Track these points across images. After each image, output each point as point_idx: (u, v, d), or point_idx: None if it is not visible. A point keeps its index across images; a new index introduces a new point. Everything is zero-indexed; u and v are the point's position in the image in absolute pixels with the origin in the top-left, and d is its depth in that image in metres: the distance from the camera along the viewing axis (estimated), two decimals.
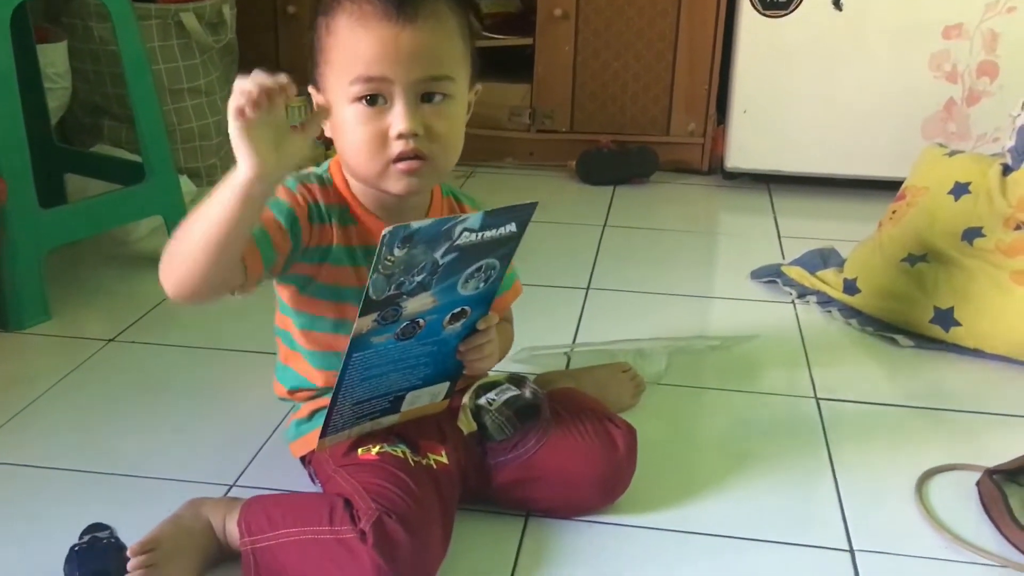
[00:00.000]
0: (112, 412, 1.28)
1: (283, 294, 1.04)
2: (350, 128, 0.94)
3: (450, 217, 0.85)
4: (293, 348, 1.06)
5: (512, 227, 0.90)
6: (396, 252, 0.82)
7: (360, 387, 0.94)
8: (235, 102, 0.81)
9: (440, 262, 0.87)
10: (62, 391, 1.32)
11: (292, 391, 1.08)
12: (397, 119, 0.93)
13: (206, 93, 2.15)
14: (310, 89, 0.99)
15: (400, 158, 0.94)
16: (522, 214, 0.90)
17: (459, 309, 0.94)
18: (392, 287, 0.86)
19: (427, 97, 0.94)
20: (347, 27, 0.92)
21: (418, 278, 0.87)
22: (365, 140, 0.94)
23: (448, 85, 0.95)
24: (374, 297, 0.86)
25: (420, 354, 0.96)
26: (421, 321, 0.92)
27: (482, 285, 0.94)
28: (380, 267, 0.83)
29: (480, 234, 0.87)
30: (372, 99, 0.93)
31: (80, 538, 0.95)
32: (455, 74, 0.96)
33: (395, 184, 0.97)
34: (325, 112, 0.94)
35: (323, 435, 0.96)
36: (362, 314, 0.86)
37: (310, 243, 0.98)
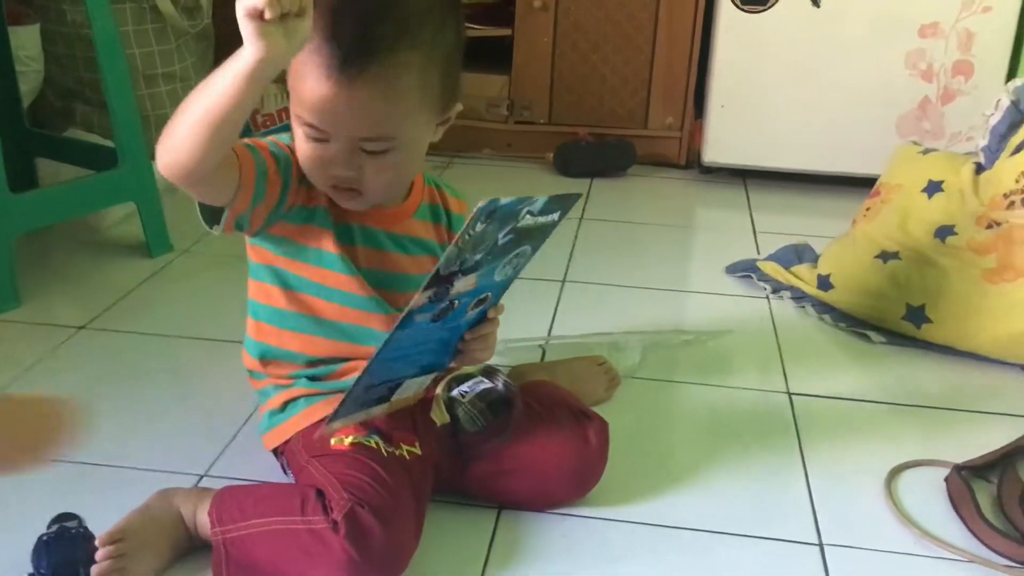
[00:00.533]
0: (83, 400, 1.26)
1: (263, 255, 1.02)
2: (300, 142, 0.94)
3: (523, 198, 0.83)
4: (265, 318, 1.04)
5: (556, 216, 0.90)
6: (478, 227, 0.81)
7: (383, 369, 0.91)
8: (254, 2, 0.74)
9: (499, 243, 0.86)
10: (32, 379, 1.31)
11: (263, 360, 1.06)
12: (333, 162, 0.92)
13: (181, 79, 2.13)
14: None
15: (337, 188, 0.95)
16: (567, 204, 0.90)
17: (484, 295, 0.94)
18: (458, 263, 0.84)
19: (367, 150, 0.92)
20: (299, 62, 0.88)
21: (476, 257, 0.85)
22: (308, 160, 0.94)
23: (388, 143, 0.92)
24: (442, 272, 0.83)
25: (435, 339, 0.95)
26: (456, 303, 0.90)
27: (510, 272, 0.94)
28: (461, 241, 0.81)
29: (536, 218, 0.87)
30: (316, 134, 0.91)
31: (48, 527, 0.94)
32: (398, 132, 0.92)
33: (337, 199, 0.97)
34: None
35: (332, 419, 0.93)
36: (424, 288, 0.84)
37: (296, 201, 0.97)
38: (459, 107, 1.00)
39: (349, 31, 0.87)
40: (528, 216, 0.86)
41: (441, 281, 0.85)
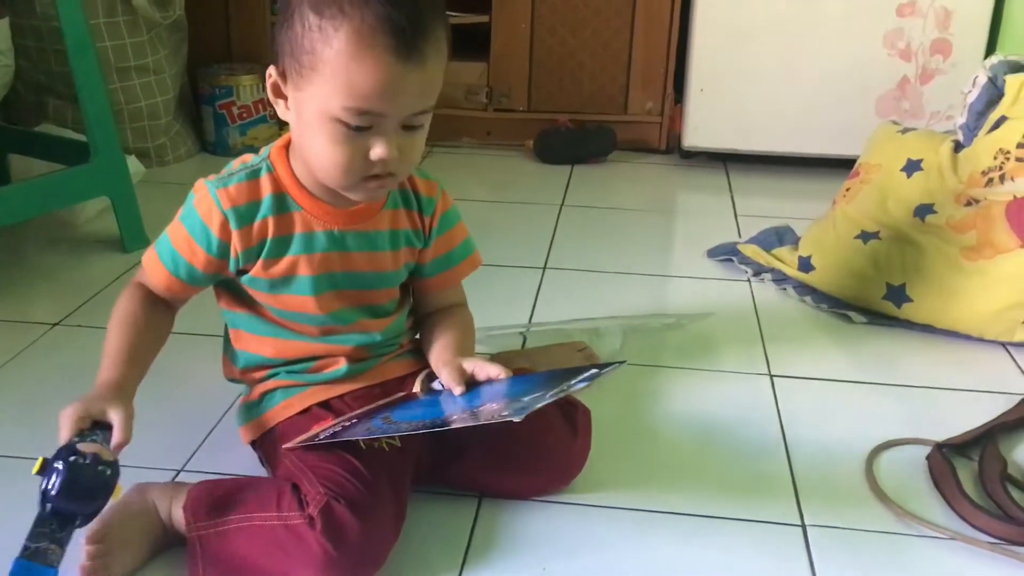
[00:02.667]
0: (57, 397, 1.22)
1: (229, 303, 1.06)
2: (326, 144, 0.91)
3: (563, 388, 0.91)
4: (242, 326, 1.05)
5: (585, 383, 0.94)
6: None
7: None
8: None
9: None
10: (4, 376, 1.29)
11: (245, 370, 1.06)
12: (380, 147, 0.90)
13: (154, 71, 2.11)
14: (271, 69, 0.94)
15: (373, 177, 0.93)
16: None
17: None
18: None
19: (408, 126, 0.92)
20: (352, 50, 0.86)
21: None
22: (341, 159, 0.91)
23: (428, 114, 0.93)
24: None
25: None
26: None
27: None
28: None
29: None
30: (358, 127, 0.90)
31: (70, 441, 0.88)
32: (434, 102, 0.93)
33: (361, 195, 0.96)
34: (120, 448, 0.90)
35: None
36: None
37: (241, 247, 0.97)
38: None
39: (405, 12, 0.86)
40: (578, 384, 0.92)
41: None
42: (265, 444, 1.03)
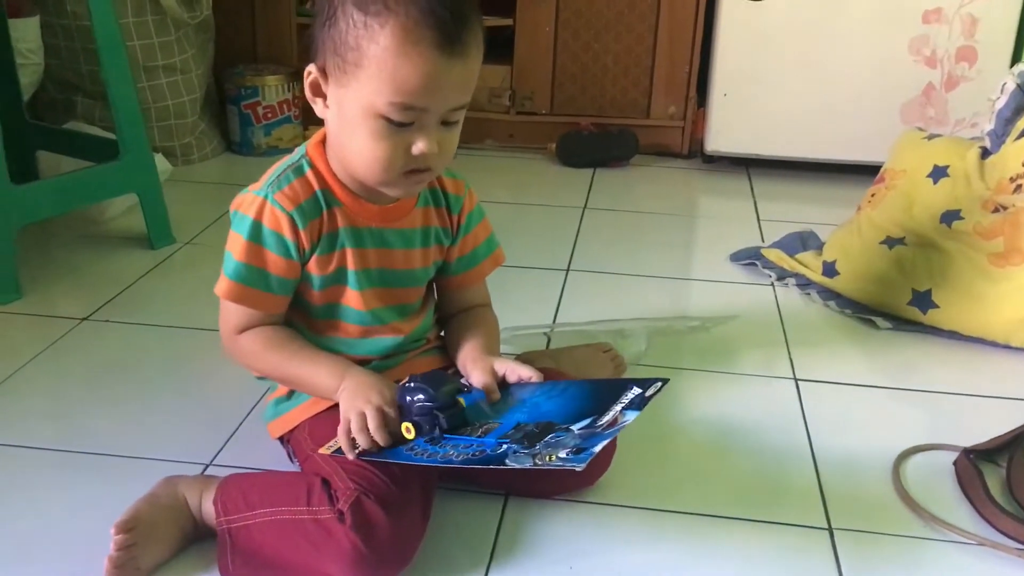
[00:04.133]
0: (87, 391, 1.26)
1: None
2: (367, 140, 0.92)
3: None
4: None
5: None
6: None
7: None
8: None
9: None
10: (35, 370, 1.30)
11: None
12: (422, 142, 0.91)
13: (182, 71, 2.12)
14: (311, 67, 0.94)
15: (414, 171, 0.94)
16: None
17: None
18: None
19: (446, 121, 0.93)
20: (399, 46, 0.87)
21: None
22: (384, 155, 0.92)
23: (465, 108, 0.94)
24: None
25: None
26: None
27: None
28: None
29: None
30: (400, 123, 0.91)
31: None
32: (471, 95, 0.95)
33: (398, 190, 0.97)
34: None
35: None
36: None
37: (307, 244, 0.98)
38: None
39: (449, 6, 0.88)
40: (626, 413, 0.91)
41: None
42: (293, 439, 1.04)
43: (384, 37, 0.87)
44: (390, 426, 0.92)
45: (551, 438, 0.88)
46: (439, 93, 0.90)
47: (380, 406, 0.91)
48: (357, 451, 0.92)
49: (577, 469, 0.82)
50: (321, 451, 0.95)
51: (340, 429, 0.92)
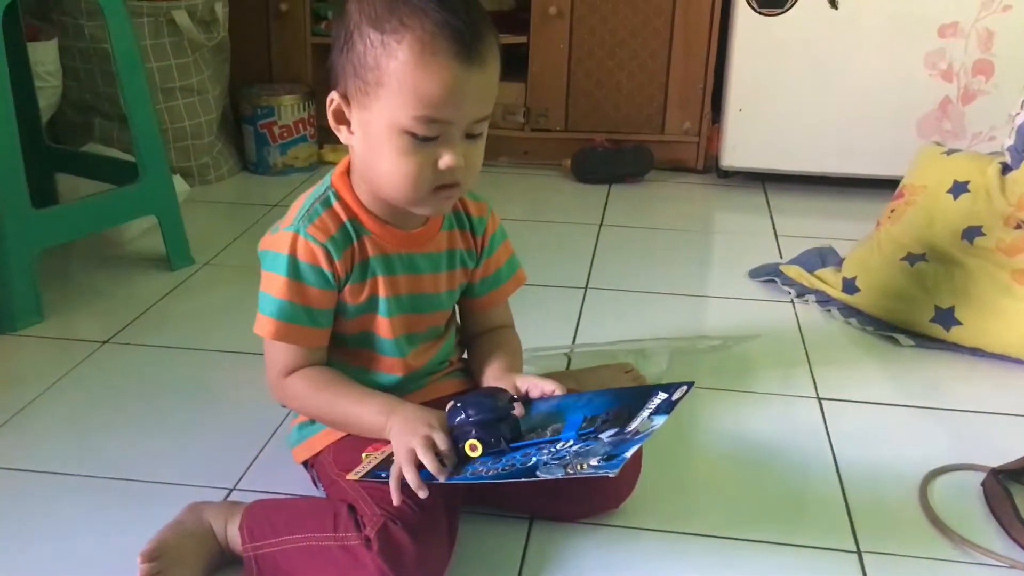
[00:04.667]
0: (108, 415, 1.26)
1: None
2: (395, 158, 0.92)
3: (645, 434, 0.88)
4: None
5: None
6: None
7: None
8: None
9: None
10: (56, 394, 1.30)
11: None
12: (448, 155, 0.91)
13: (198, 92, 2.13)
14: (334, 94, 0.95)
15: (443, 188, 0.94)
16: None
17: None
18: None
19: (470, 134, 0.93)
20: (416, 59, 0.88)
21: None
22: (412, 171, 0.92)
23: (487, 121, 0.95)
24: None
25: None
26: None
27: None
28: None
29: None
30: (426, 137, 0.91)
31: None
32: (492, 108, 0.95)
33: (428, 208, 0.97)
34: None
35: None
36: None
37: (343, 273, 0.98)
38: None
39: (463, 18, 0.88)
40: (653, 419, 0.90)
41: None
42: (317, 464, 1.03)
43: (402, 52, 0.88)
44: (443, 452, 0.90)
45: (584, 445, 0.88)
46: (462, 104, 0.90)
47: (428, 435, 0.90)
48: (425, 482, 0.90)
49: (611, 475, 0.82)
50: (349, 477, 0.94)
51: (393, 473, 0.90)
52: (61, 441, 1.20)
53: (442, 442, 0.89)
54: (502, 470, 0.88)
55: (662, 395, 0.93)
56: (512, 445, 0.91)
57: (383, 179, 0.94)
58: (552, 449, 0.89)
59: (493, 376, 1.04)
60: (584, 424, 0.91)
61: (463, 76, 0.89)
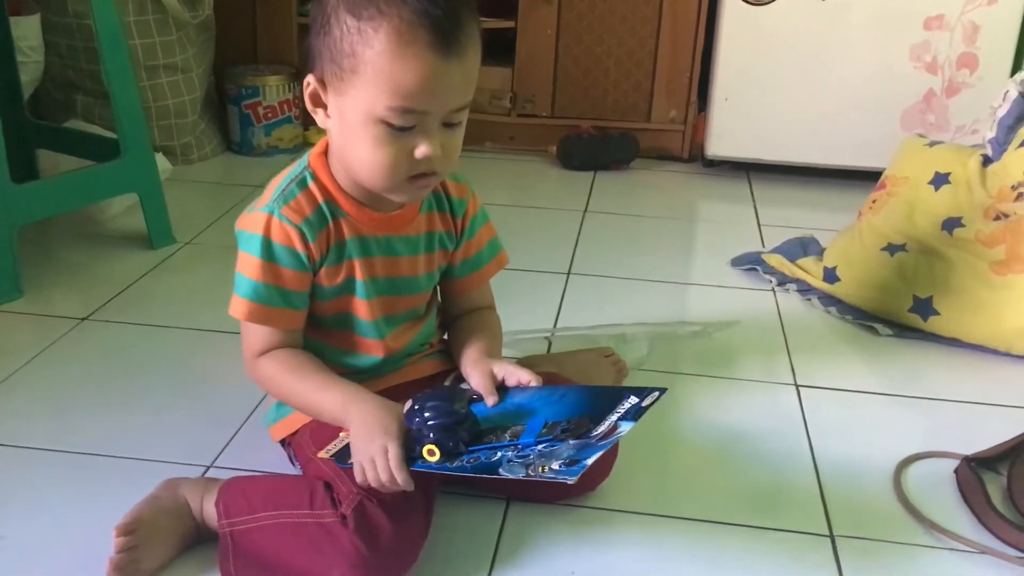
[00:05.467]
0: (86, 391, 1.25)
1: None
2: (370, 147, 0.91)
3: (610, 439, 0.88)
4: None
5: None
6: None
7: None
8: None
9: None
10: (35, 370, 1.30)
11: None
12: (424, 145, 0.90)
13: (182, 70, 2.12)
14: (310, 78, 0.94)
15: (419, 176, 0.93)
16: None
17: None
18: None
19: (448, 123, 0.93)
20: (394, 48, 0.87)
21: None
22: (388, 160, 0.91)
23: (466, 109, 0.94)
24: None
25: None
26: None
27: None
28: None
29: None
30: (402, 127, 0.90)
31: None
32: (472, 96, 0.94)
33: (404, 196, 0.96)
34: None
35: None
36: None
37: (317, 255, 0.97)
38: None
39: (441, 5, 0.87)
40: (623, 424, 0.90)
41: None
42: (295, 443, 1.03)
43: (379, 41, 0.87)
44: (394, 466, 0.88)
45: (549, 447, 0.88)
46: (438, 94, 0.89)
47: (384, 446, 0.88)
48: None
49: (570, 481, 0.82)
50: (320, 455, 0.95)
51: (356, 471, 0.89)
52: (39, 416, 1.19)
53: (395, 456, 0.88)
54: (467, 463, 0.88)
55: (633, 399, 0.93)
56: (470, 448, 0.90)
57: (358, 165, 0.94)
58: (518, 446, 0.89)
59: (471, 360, 1.04)
60: (543, 432, 0.90)
61: (440, 67, 0.88)
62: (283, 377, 0.98)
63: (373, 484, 0.88)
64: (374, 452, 0.88)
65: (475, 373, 1.01)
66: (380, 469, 0.87)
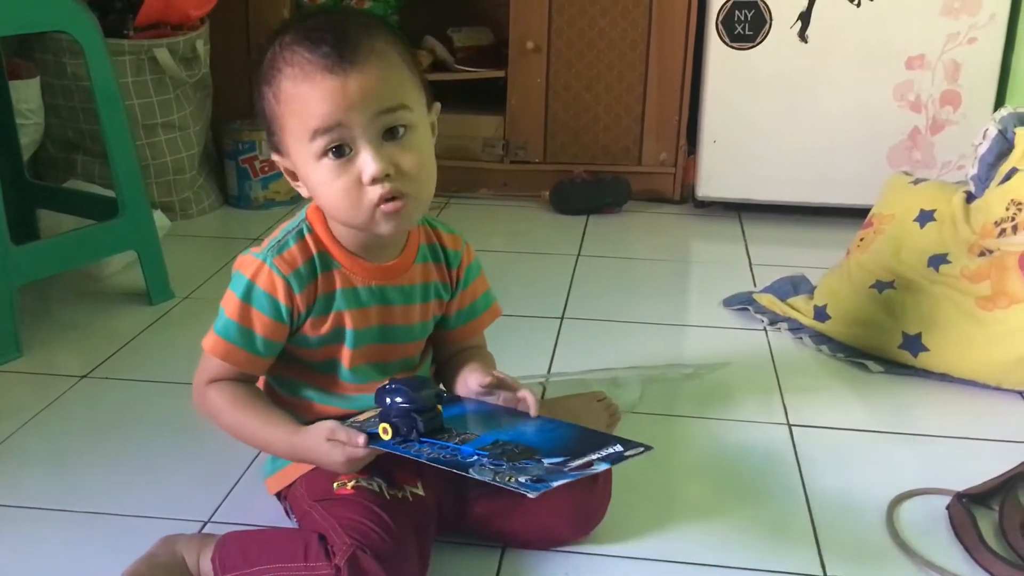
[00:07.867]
0: (86, 449, 1.27)
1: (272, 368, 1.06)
2: (325, 185, 0.95)
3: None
4: (276, 385, 1.07)
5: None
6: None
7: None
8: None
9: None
10: (35, 428, 1.31)
11: None
12: (366, 164, 0.93)
13: (180, 128, 2.16)
14: (273, 157, 1.01)
15: (381, 201, 0.94)
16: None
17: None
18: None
19: (390, 134, 0.94)
20: (292, 88, 0.92)
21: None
22: (342, 193, 0.94)
23: (405, 115, 0.95)
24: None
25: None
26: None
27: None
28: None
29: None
30: (338, 150, 0.93)
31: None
32: (409, 101, 0.95)
33: (384, 227, 0.98)
34: None
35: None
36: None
37: (303, 307, 1.00)
38: (438, 107, 1.03)
39: (329, 33, 0.92)
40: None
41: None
42: (290, 495, 1.05)
43: (283, 89, 0.93)
44: (350, 440, 0.94)
45: (522, 463, 0.90)
46: (343, 105, 0.91)
47: (333, 428, 0.95)
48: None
49: (529, 496, 0.85)
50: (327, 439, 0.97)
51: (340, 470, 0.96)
52: (39, 476, 1.21)
53: (346, 433, 0.94)
54: (440, 456, 0.92)
55: (618, 447, 0.95)
56: (422, 439, 0.94)
57: (332, 212, 0.98)
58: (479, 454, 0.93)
59: (471, 367, 1.07)
60: (488, 447, 0.93)
61: (338, 81, 0.91)
62: (232, 409, 1.01)
63: (350, 467, 0.95)
64: (333, 448, 0.94)
65: (475, 374, 1.04)
66: (345, 447, 0.93)
